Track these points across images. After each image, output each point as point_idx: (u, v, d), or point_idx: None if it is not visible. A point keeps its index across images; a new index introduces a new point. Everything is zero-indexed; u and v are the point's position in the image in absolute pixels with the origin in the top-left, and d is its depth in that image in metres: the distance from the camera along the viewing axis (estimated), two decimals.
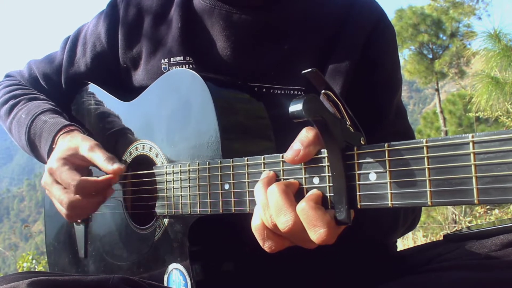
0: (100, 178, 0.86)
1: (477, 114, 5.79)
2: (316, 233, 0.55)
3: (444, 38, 16.19)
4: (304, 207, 0.56)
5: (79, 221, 1.04)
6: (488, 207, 5.31)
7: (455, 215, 5.80)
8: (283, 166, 0.62)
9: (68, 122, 0.97)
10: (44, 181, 0.91)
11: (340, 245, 0.61)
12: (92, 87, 1.09)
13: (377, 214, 0.84)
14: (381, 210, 0.84)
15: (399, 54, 1.03)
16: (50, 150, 0.95)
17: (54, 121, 0.98)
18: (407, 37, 15.75)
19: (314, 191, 0.58)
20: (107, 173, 0.87)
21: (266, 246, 0.61)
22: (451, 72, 15.81)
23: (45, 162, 1.00)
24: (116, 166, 0.86)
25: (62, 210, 0.89)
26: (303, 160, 0.59)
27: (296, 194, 0.60)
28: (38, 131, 0.99)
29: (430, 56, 16.34)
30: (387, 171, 0.52)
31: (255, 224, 0.62)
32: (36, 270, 3.94)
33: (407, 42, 15.88)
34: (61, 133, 0.95)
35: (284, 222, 0.57)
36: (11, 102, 1.08)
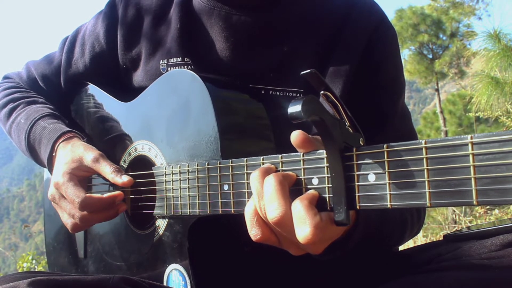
0: (105, 196, 0.87)
1: (477, 114, 5.78)
2: (303, 231, 0.55)
3: (444, 38, 16.19)
4: (297, 204, 0.57)
5: None
6: (488, 207, 5.30)
7: (455, 215, 5.79)
8: (282, 167, 0.62)
9: (67, 129, 0.97)
10: (51, 194, 0.91)
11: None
12: (92, 88, 1.09)
13: (390, 231, 0.84)
14: (393, 227, 0.84)
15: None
16: (50, 157, 0.95)
17: (53, 127, 0.98)
18: (407, 37, 15.75)
19: (312, 191, 0.59)
20: (116, 185, 0.88)
21: (253, 233, 0.61)
22: (451, 72, 15.81)
23: (45, 167, 1.00)
24: (125, 178, 0.86)
25: (69, 223, 0.90)
26: (305, 141, 0.59)
27: (293, 188, 0.60)
28: (38, 137, 0.99)
29: (430, 56, 16.33)
30: (386, 172, 0.52)
31: (247, 210, 0.62)
32: (36, 270, 3.94)
33: (407, 42, 15.87)
34: (60, 140, 0.95)
35: (273, 211, 0.57)
36: (10, 106, 1.08)
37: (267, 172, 0.61)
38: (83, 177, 0.91)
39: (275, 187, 0.58)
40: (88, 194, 0.86)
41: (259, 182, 0.61)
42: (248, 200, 0.66)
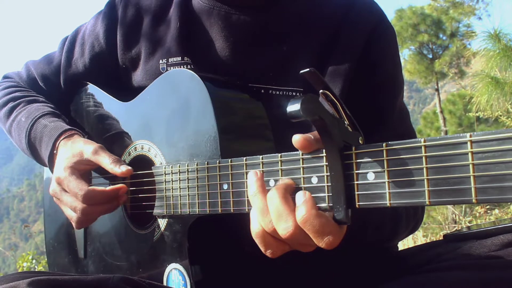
0: (108, 188, 0.86)
1: (477, 114, 5.79)
2: (325, 239, 0.55)
3: (444, 38, 16.20)
4: (307, 217, 0.56)
5: None
6: (488, 207, 5.31)
7: (455, 215, 5.79)
8: (281, 166, 0.62)
9: (68, 127, 0.97)
10: (52, 189, 0.91)
11: (342, 248, 0.61)
12: (91, 88, 1.09)
13: (379, 220, 0.84)
14: (383, 216, 0.84)
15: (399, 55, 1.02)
16: (51, 155, 0.95)
17: (54, 125, 0.98)
18: (407, 37, 15.75)
19: (309, 196, 0.58)
20: (115, 176, 0.88)
21: (268, 252, 0.62)
22: (451, 72, 15.82)
23: (46, 166, 1.00)
24: (123, 168, 0.86)
25: (73, 217, 0.89)
26: (307, 145, 0.58)
27: (293, 194, 0.60)
28: (38, 135, 0.98)
29: (430, 56, 16.34)
30: (385, 171, 0.52)
31: (256, 231, 0.61)
32: (36, 270, 3.94)
33: (407, 42, 15.88)
34: (61, 138, 0.95)
35: (285, 229, 0.57)
36: (10, 105, 1.08)
37: (263, 186, 0.61)
38: (84, 170, 0.91)
39: (280, 202, 0.58)
40: (91, 187, 0.86)
41: (261, 199, 0.60)
42: (247, 200, 0.66)
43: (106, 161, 0.88)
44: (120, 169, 0.86)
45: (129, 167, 0.87)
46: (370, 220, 0.81)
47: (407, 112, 1.00)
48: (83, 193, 0.84)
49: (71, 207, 0.88)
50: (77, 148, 0.91)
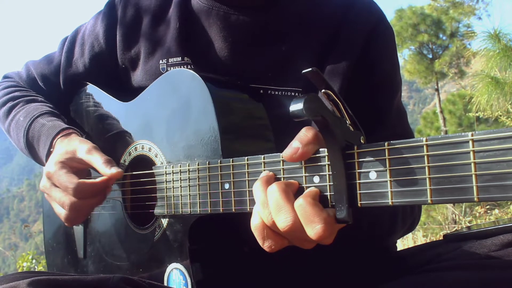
0: (97, 180, 0.85)
1: (477, 114, 5.80)
2: (313, 229, 0.55)
3: (444, 38, 16.22)
4: (301, 203, 0.56)
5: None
6: (488, 206, 5.31)
7: (455, 215, 5.80)
8: (283, 165, 0.62)
9: (65, 125, 0.97)
10: (43, 184, 0.90)
11: (339, 246, 0.61)
12: (91, 88, 1.09)
13: (375, 216, 0.84)
14: (379, 212, 0.84)
15: (399, 54, 1.03)
16: (48, 153, 0.95)
17: (52, 124, 0.97)
18: (407, 37, 15.77)
19: (313, 188, 0.58)
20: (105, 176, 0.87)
21: (266, 245, 0.61)
22: (451, 72, 15.84)
23: (43, 165, 0.99)
24: (114, 170, 0.85)
25: (62, 213, 0.88)
26: (301, 159, 0.59)
27: (296, 194, 0.60)
28: (36, 134, 0.98)
29: (430, 56, 16.36)
30: (387, 170, 0.52)
31: (255, 224, 0.61)
32: (36, 270, 3.94)
33: (407, 42, 15.90)
34: (58, 136, 0.94)
35: (284, 221, 0.57)
36: (9, 104, 1.08)
37: (268, 181, 0.61)
38: (76, 169, 0.90)
39: (280, 194, 0.58)
40: (81, 180, 0.85)
41: (262, 191, 0.60)
42: (248, 199, 0.66)
43: (98, 160, 0.87)
44: (110, 171, 0.85)
45: (120, 169, 0.86)
46: (368, 218, 0.81)
47: (404, 112, 1.00)
48: (74, 186, 0.83)
49: (59, 203, 0.87)
50: (72, 145, 0.90)
